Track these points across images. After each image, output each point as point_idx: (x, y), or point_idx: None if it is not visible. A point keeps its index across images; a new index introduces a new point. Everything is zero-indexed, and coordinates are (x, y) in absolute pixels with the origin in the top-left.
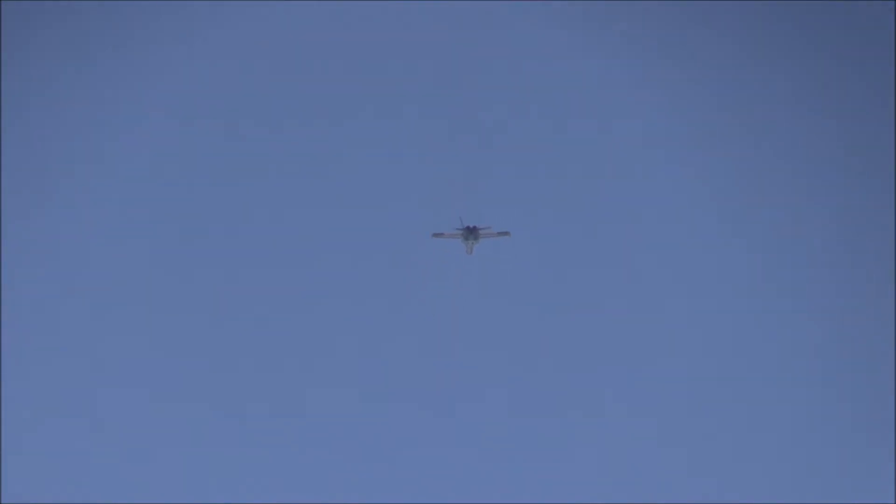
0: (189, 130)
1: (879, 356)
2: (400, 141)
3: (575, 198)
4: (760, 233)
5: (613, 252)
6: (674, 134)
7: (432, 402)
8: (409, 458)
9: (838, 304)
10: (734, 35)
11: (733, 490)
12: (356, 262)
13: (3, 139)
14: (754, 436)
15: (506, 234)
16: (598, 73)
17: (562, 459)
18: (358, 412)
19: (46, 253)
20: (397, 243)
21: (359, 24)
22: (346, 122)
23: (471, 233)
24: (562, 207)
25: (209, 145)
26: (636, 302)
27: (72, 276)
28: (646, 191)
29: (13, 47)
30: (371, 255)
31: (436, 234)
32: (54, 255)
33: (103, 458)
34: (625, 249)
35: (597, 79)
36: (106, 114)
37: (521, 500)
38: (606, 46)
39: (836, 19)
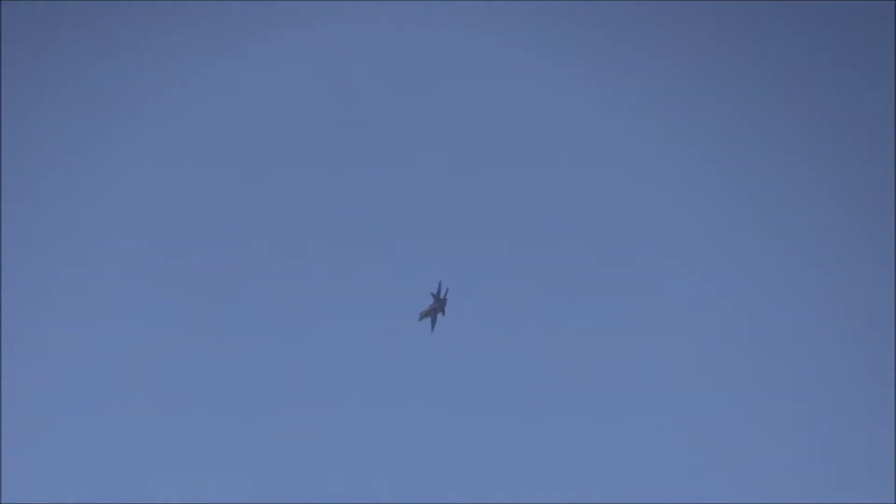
0: (193, 132)
1: (879, 355)
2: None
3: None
4: (758, 233)
5: (607, 246)
6: (669, 132)
7: (429, 402)
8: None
9: (838, 304)
10: (733, 35)
11: (733, 490)
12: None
13: (3, 140)
14: (753, 435)
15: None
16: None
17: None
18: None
19: (46, 254)
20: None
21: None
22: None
23: (442, 304)
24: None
25: (214, 148)
26: (632, 300)
27: (71, 277)
28: (637, 192)
29: (13, 47)
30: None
31: (424, 314)
32: (53, 256)
33: (103, 458)
34: (618, 248)
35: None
36: (105, 115)
37: (521, 499)
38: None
39: (837, 19)
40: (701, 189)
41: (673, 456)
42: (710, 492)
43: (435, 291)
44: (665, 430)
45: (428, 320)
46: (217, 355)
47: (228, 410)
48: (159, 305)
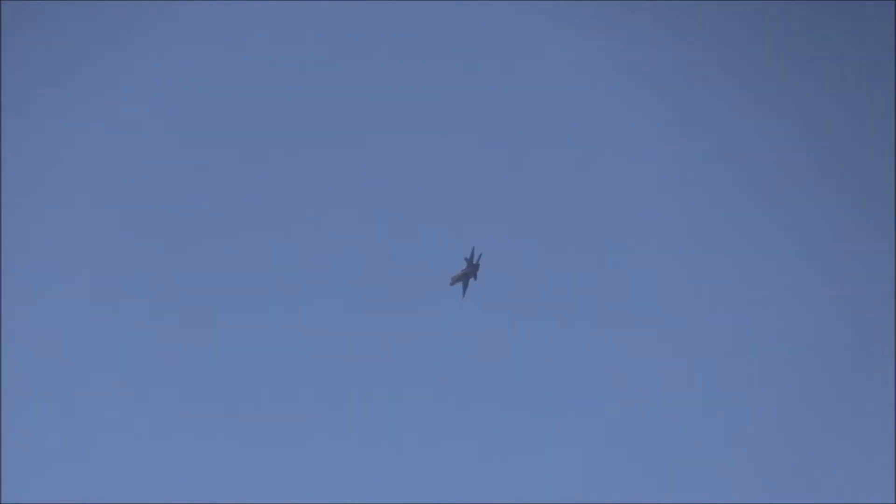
0: (192, 131)
1: (879, 356)
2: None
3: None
4: (757, 233)
5: (606, 242)
6: (669, 132)
7: (431, 402)
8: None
9: (838, 304)
10: (732, 35)
11: (732, 490)
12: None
13: (3, 139)
14: (753, 435)
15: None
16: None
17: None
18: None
19: (46, 254)
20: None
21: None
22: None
23: (474, 268)
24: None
25: (212, 148)
26: (632, 300)
27: (73, 274)
28: (636, 192)
29: (13, 47)
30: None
31: (455, 279)
32: (54, 254)
33: (104, 458)
34: (616, 244)
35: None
36: (106, 115)
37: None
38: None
39: (837, 19)
40: (701, 190)
41: (672, 455)
42: (710, 492)
43: (468, 256)
44: (662, 428)
45: (459, 285)
46: (222, 346)
47: (230, 407)
48: (161, 303)
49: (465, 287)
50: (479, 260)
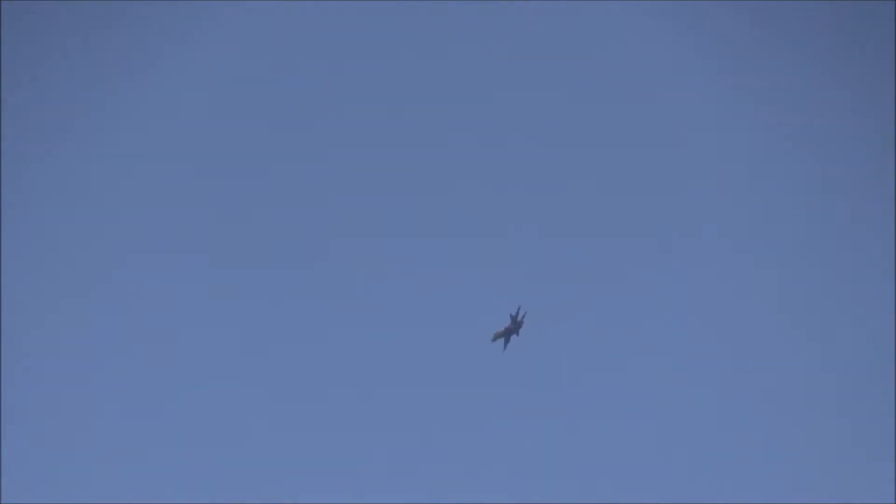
0: (194, 131)
1: (879, 356)
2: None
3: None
4: (758, 234)
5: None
6: (672, 130)
7: (438, 400)
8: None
9: (838, 304)
10: (733, 36)
11: (733, 490)
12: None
13: (3, 137)
14: (752, 435)
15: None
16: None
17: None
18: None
19: (46, 252)
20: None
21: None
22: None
23: (517, 325)
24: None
25: (212, 146)
26: (633, 299)
27: (70, 274)
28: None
29: (13, 47)
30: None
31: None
32: (54, 252)
33: (104, 458)
34: (620, 244)
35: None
36: (107, 116)
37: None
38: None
39: (837, 19)
40: (702, 189)
41: (672, 455)
42: (710, 492)
43: (513, 313)
44: (662, 428)
45: (500, 341)
46: (223, 346)
47: (232, 408)
48: (161, 302)
49: (506, 342)
50: (523, 318)
